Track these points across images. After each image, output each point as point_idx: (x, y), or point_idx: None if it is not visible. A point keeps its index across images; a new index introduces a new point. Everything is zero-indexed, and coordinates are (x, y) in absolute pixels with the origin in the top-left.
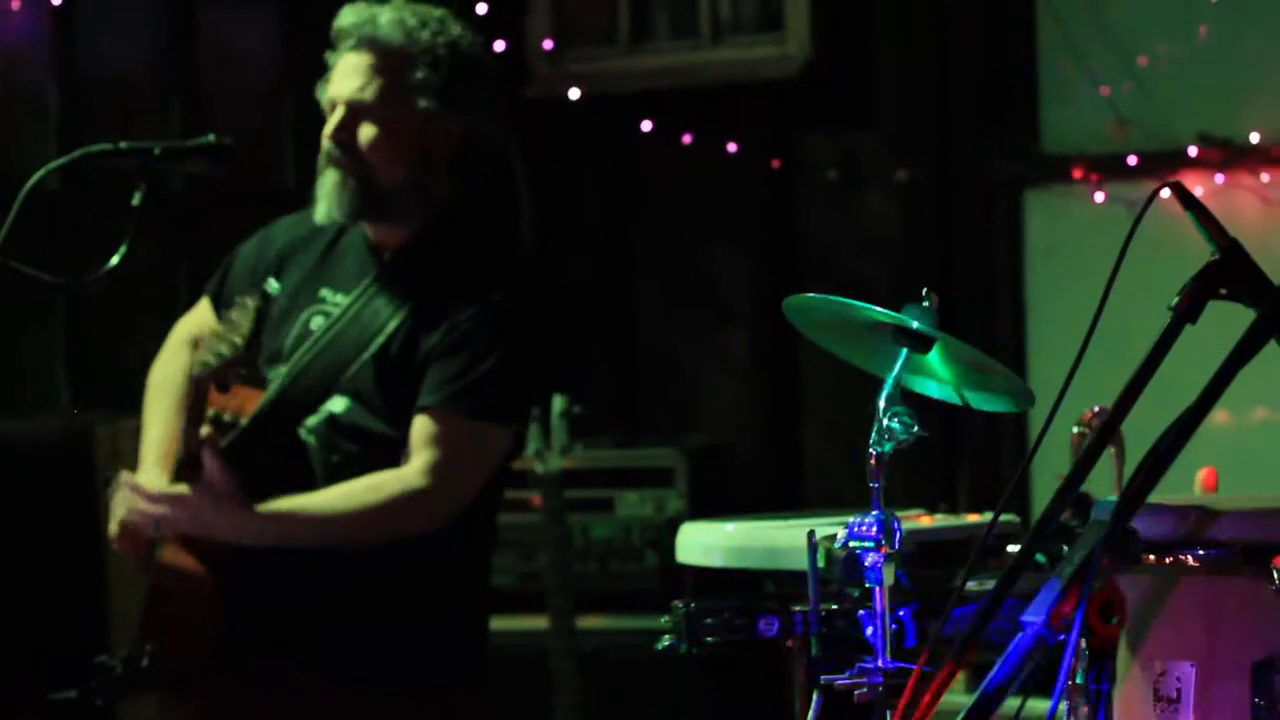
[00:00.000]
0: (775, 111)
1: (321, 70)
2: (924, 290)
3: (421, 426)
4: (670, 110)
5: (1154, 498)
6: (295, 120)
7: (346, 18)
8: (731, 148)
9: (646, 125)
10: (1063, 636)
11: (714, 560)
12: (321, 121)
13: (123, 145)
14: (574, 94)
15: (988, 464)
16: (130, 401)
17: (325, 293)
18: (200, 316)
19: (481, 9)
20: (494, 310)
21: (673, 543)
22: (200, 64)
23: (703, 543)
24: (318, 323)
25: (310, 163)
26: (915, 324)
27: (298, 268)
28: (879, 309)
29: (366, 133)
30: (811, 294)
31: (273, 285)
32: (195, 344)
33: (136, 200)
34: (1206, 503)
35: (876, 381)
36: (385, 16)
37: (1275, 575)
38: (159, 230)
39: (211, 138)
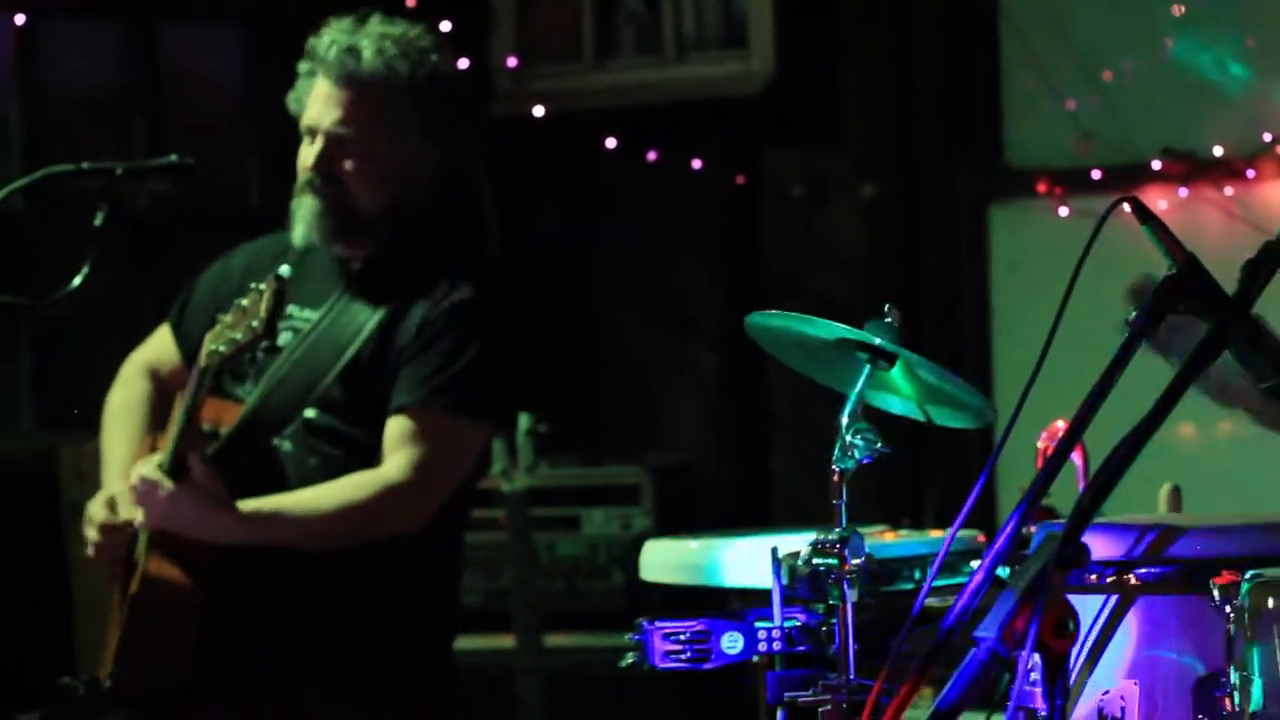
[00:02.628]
0: (739, 128)
1: (286, 91)
2: (886, 306)
3: (399, 425)
4: (634, 127)
5: (1120, 516)
6: (260, 140)
7: (328, 46)
8: (696, 164)
9: (611, 142)
10: (1016, 652)
11: (677, 578)
12: (286, 141)
13: (85, 165)
14: (538, 111)
15: (954, 480)
16: (95, 424)
17: (293, 309)
18: (158, 345)
19: (445, 26)
20: (465, 308)
21: (638, 560)
22: (164, 84)
23: (666, 560)
24: (285, 338)
25: (275, 183)
26: (877, 340)
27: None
28: (840, 325)
29: (347, 164)
30: (773, 311)
31: (285, 270)
32: (153, 373)
33: (99, 220)
34: (1168, 519)
35: (843, 398)
36: (368, 49)
37: (1216, 594)
38: (122, 250)
39: (174, 157)
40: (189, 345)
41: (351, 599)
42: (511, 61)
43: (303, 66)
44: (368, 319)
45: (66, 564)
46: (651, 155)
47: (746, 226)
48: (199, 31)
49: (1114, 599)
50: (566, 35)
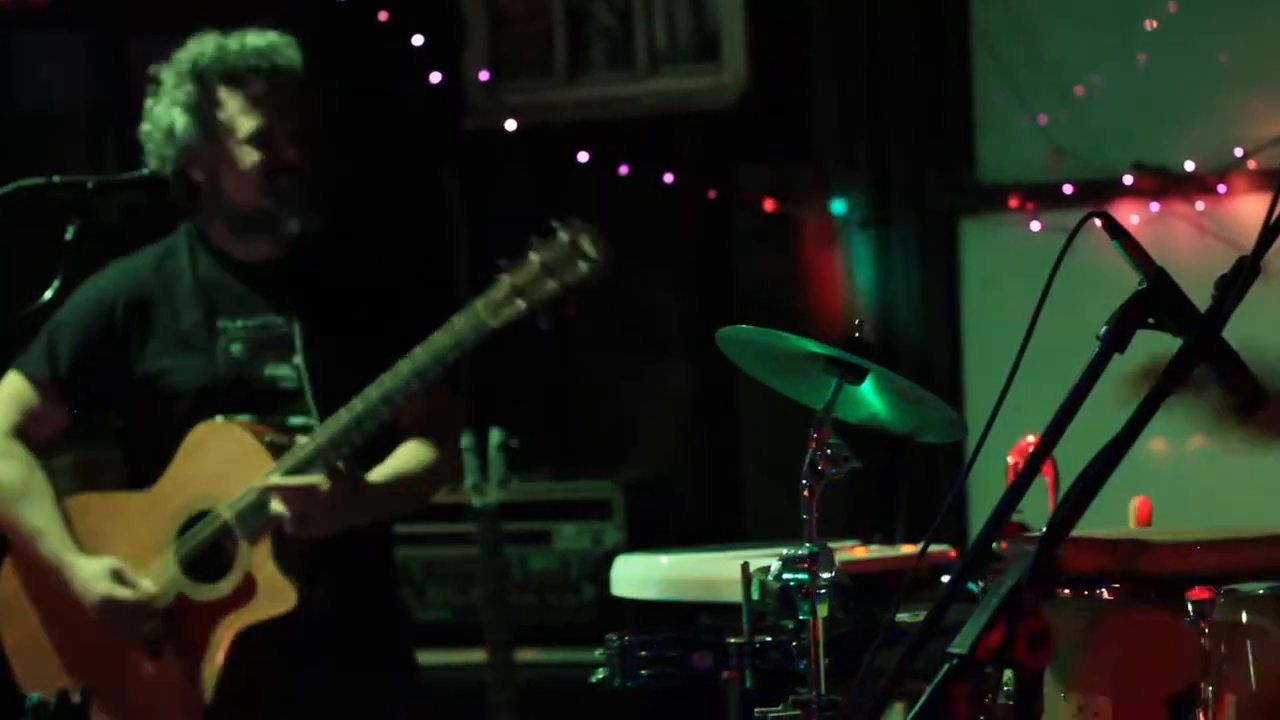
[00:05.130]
0: (711, 142)
1: None
2: (857, 321)
3: (418, 405)
4: (606, 141)
5: (1090, 528)
6: None
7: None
8: (668, 178)
9: (583, 156)
10: (990, 667)
11: (649, 593)
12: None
13: (56, 179)
14: (510, 125)
15: (926, 495)
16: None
17: (224, 323)
18: (20, 402)
19: (418, 40)
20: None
21: (610, 575)
22: (135, 98)
23: (637, 575)
24: (237, 349)
25: None
26: (847, 355)
27: (163, 309)
28: (811, 340)
29: None
30: (744, 325)
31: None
32: (23, 437)
33: (70, 234)
34: (1139, 534)
35: (814, 413)
36: None
37: (1190, 608)
38: (93, 264)
39: (146, 171)
40: (73, 394)
41: (376, 580)
42: (483, 75)
43: (184, 89)
44: (335, 312)
45: None
46: (623, 169)
47: (718, 240)
48: (172, 44)
49: (1087, 613)
50: (539, 49)
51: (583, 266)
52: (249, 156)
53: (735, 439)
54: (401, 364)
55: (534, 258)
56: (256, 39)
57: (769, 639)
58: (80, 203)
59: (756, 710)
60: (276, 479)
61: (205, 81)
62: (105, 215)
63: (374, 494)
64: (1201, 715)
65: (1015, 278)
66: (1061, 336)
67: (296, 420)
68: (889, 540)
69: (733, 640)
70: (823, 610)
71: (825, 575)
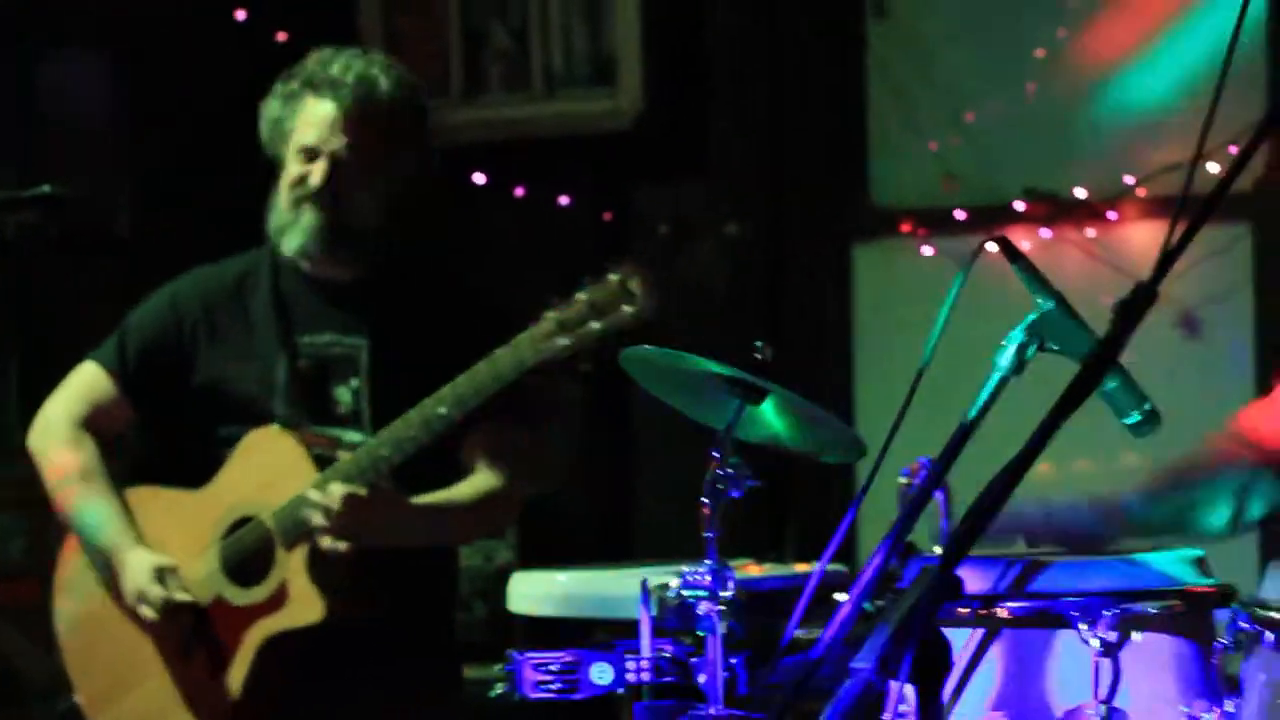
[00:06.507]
0: (607, 165)
1: (160, 123)
2: (757, 343)
3: (480, 439)
4: (503, 163)
5: (985, 549)
6: (131, 169)
7: (343, 70)
8: (564, 200)
9: (479, 178)
10: (891, 682)
11: (546, 609)
12: (158, 170)
13: None
14: None
15: (816, 514)
16: None
17: (295, 338)
18: (93, 392)
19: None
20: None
21: (502, 593)
22: (37, 115)
23: (534, 592)
24: (304, 364)
25: (145, 211)
26: (750, 376)
27: (236, 319)
28: (715, 361)
29: (350, 184)
30: (649, 346)
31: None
32: (93, 429)
33: None
34: (1032, 554)
35: (708, 433)
36: (383, 77)
37: (1084, 627)
38: None
39: (46, 188)
40: (136, 390)
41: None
42: None
43: (286, 88)
44: (407, 338)
45: None
46: (519, 191)
47: (614, 262)
48: (72, 62)
49: (982, 631)
50: (435, 70)
51: (626, 310)
52: (293, 168)
53: (629, 458)
54: (444, 390)
55: (581, 296)
56: (359, 63)
57: (667, 654)
58: None
59: None
60: (311, 490)
61: (297, 86)
62: (3, 232)
63: (415, 515)
64: None
65: (907, 302)
66: (953, 360)
67: (353, 438)
68: (781, 559)
69: (632, 655)
70: (722, 626)
71: (724, 593)
